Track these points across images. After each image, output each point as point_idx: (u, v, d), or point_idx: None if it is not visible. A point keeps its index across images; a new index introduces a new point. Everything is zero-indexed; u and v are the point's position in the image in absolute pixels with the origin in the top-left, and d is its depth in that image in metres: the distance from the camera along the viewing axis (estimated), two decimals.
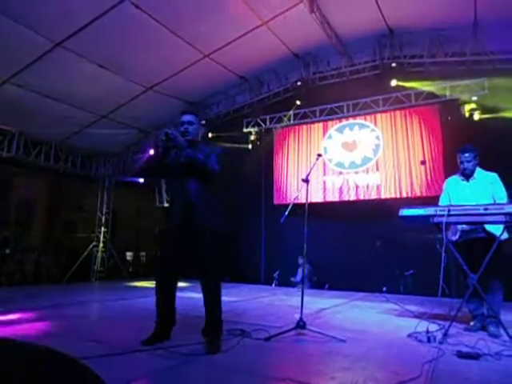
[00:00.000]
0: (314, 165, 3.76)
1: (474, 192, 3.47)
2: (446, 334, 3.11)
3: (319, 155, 3.74)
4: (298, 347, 2.92)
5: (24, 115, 7.82)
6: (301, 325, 3.21)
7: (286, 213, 3.27)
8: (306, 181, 3.47)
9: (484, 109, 6.78)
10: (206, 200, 2.96)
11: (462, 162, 3.55)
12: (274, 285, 8.35)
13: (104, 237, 10.62)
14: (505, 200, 3.31)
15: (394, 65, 7.44)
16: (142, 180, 10.62)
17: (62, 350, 1.34)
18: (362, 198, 7.98)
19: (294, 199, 3.58)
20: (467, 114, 6.89)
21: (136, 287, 7.91)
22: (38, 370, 1.32)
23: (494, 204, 3.14)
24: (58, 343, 2.46)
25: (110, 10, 5.94)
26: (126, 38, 6.67)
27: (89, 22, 6.07)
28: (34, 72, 6.75)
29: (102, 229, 10.64)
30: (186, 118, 3.13)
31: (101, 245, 10.49)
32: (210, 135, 9.42)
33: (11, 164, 9.15)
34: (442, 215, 3.06)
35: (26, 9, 5.57)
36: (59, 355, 1.43)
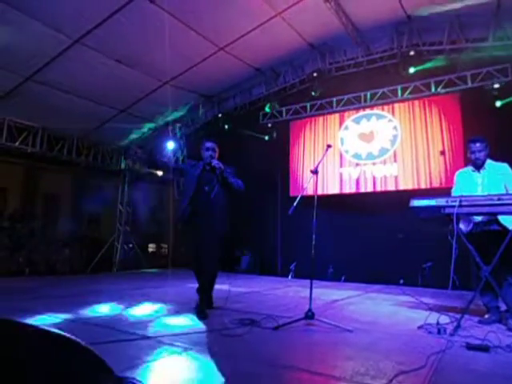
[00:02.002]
0: (324, 156, 3.74)
1: (486, 183, 3.40)
2: (457, 326, 3.07)
3: (329, 146, 3.72)
4: (304, 336, 2.95)
5: (46, 111, 8.07)
6: (309, 315, 3.24)
7: (295, 204, 3.28)
8: (315, 172, 3.47)
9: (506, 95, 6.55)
10: (223, 207, 3.82)
11: (473, 152, 3.49)
12: (290, 277, 8.38)
13: (125, 229, 10.89)
14: None
15: (412, 53, 7.24)
16: (160, 173, 10.80)
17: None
18: (379, 189, 7.88)
19: (303, 191, 3.58)
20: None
21: (154, 277, 8.11)
22: (40, 352, 1.38)
23: (508, 194, 3.06)
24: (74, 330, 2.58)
25: (126, 5, 6.04)
26: (141, 33, 6.76)
27: (105, 18, 6.19)
28: (54, 69, 6.95)
29: (124, 221, 10.92)
30: (211, 145, 3.91)
31: (122, 237, 10.77)
32: (226, 127, 9.47)
33: (36, 159, 9.49)
34: (453, 206, 3.00)
35: (45, 7, 5.72)
36: (63, 338, 1.50)
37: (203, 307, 3.64)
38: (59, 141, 9.09)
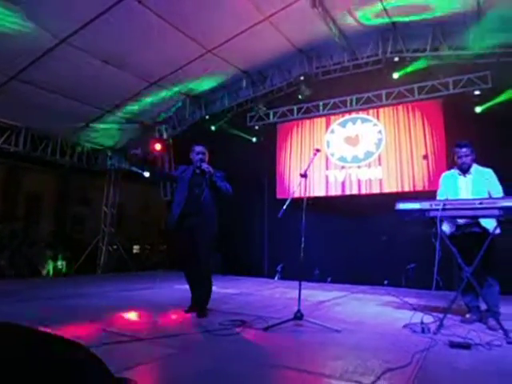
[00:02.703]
0: (312, 160, 3.82)
1: (471, 187, 3.53)
2: (440, 326, 3.18)
3: (317, 150, 3.80)
4: (294, 337, 3.01)
5: (31, 111, 7.95)
6: (298, 316, 3.31)
7: (284, 207, 3.34)
8: (304, 176, 3.54)
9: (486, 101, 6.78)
10: (212, 209, 3.91)
11: (460, 157, 3.62)
12: (276, 278, 8.45)
13: (110, 230, 10.78)
14: (500, 194, 3.38)
15: (396, 59, 7.42)
16: (147, 174, 10.74)
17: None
18: (364, 192, 8.02)
19: (292, 194, 3.64)
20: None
21: (140, 279, 8.05)
22: (35, 352, 1.39)
23: (489, 198, 3.20)
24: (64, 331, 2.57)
25: (114, 6, 6.01)
26: (128, 33, 6.73)
27: (93, 19, 6.14)
28: (40, 68, 6.85)
29: (108, 222, 10.80)
30: (201, 149, 4.05)
31: (106, 238, 10.66)
32: (213, 129, 9.49)
33: (19, 159, 9.32)
34: (437, 209, 3.11)
35: (31, 5, 5.65)
36: (57, 338, 1.52)
37: (195, 307, 3.76)
38: (43, 140, 8.96)
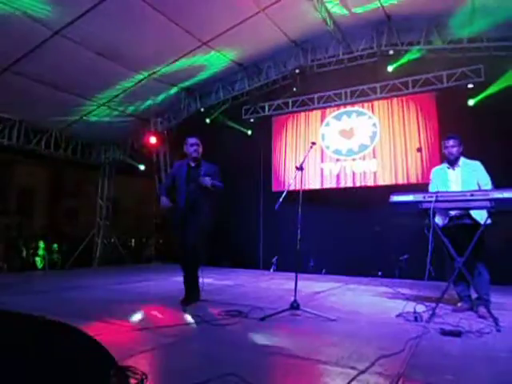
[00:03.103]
0: (308, 153, 3.87)
1: (460, 179, 3.63)
2: (433, 314, 3.27)
3: (313, 143, 3.84)
4: (290, 326, 3.08)
5: (24, 103, 7.89)
6: (295, 306, 3.37)
7: (281, 199, 3.39)
8: (301, 168, 3.58)
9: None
10: (205, 202, 4.00)
11: (446, 147, 3.76)
12: (271, 270, 8.53)
13: (105, 223, 10.78)
14: (489, 185, 3.48)
15: (391, 52, 7.46)
16: (142, 167, 10.72)
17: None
18: (358, 184, 8.10)
19: (288, 187, 3.69)
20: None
21: (137, 272, 8.09)
22: (48, 341, 1.43)
23: (480, 190, 3.27)
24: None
25: None
26: (123, 25, 6.69)
27: (87, 10, 6.09)
28: (33, 60, 6.80)
29: (103, 215, 10.80)
30: (195, 141, 4.10)
31: (102, 231, 10.66)
32: (207, 121, 9.48)
33: (12, 152, 9.26)
34: (430, 201, 3.18)
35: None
36: (70, 328, 1.57)
37: (186, 299, 3.85)
38: (37, 134, 8.90)
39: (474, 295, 3.66)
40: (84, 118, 9.05)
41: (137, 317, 3.28)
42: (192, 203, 3.93)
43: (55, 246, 10.74)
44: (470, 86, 6.97)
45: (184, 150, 4.19)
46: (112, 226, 11.02)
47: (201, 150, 4.14)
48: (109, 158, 10.75)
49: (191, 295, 3.93)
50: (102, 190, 11.02)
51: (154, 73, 8.19)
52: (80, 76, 7.62)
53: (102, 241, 10.60)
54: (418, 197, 3.31)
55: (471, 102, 6.90)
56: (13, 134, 8.37)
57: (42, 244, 10.37)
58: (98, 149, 10.65)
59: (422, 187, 4.68)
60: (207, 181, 3.90)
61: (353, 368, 2.04)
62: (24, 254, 9.82)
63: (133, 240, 12.76)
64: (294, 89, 8.62)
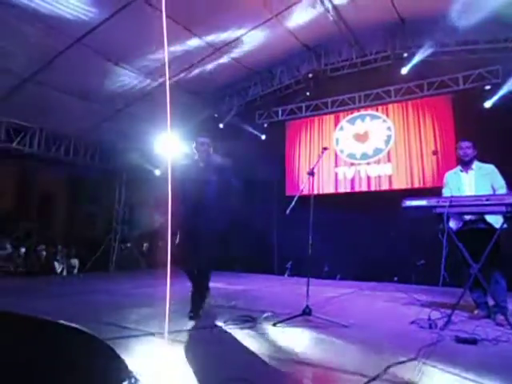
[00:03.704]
0: (320, 158, 3.87)
1: (473, 182, 3.57)
2: (448, 321, 3.21)
3: (325, 148, 3.84)
4: (301, 332, 3.07)
5: (44, 112, 8.11)
6: (307, 312, 3.36)
7: (292, 204, 3.39)
8: (312, 174, 3.58)
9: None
10: (217, 206, 3.67)
11: (461, 148, 3.71)
12: (286, 275, 8.51)
13: (121, 228, 10.96)
14: (504, 189, 3.42)
15: (405, 55, 7.39)
16: (157, 173, 10.86)
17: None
18: (373, 189, 8.02)
19: (300, 192, 3.69)
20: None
21: (152, 276, 8.18)
22: (59, 345, 1.46)
23: (496, 195, 3.21)
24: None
25: (124, 8, 6.11)
26: (139, 34, 6.82)
27: (104, 20, 6.26)
28: (52, 70, 7.00)
29: (120, 220, 10.98)
30: (204, 140, 3.85)
31: (119, 236, 10.83)
32: (221, 126, 9.54)
33: (33, 159, 9.52)
34: (444, 206, 3.14)
35: (43, 10, 5.79)
36: (82, 332, 1.60)
37: (193, 308, 3.64)
38: (56, 141, 9.13)
39: (491, 302, 3.58)
40: (101, 124, 9.24)
41: (149, 321, 3.32)
42: (201, 207, 3.61)
43: (73, 250, 10.96)
44: (488, 87, 6.83)
45: (193, 150, 3.95)
46: (128, 230, 11.18)
47: (211, 150, 3.85)
48: (126, 163, 10.94)
49: (198, 305, 3.70)
50: (119, 195, 11.21)
51: (170, 79, 8.31)
52: (97, 83, 7.81)
53: (118, 245, 10.77)
54: (432, 201, 3.27)
55: (488, 104, 6.76)
56: (34, 142, 8.61)
57: (62, 249, 10.60)
58: (115, 155, 10.84)
59: (438, 191, 4.62)
60: (216, 160, 3.70)
61: (363, 375, 2.03)
62: (43, 258, 10.06)
63: (148, 245, 12.90)
64: (308, 93, 8.62)
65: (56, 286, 6.38)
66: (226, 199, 3.76)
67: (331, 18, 6.90)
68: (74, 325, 1.65)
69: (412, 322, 3.34)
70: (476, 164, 3.68)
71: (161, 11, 6.25)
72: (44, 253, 9.98)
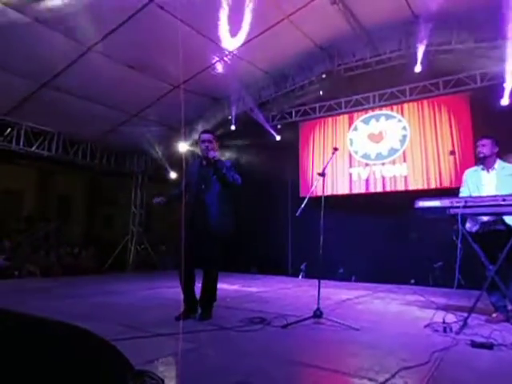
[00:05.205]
0: (331, 159, 3.82)
1: (495, 182, 3.45)
2: (464, 325, 3.12)
3: (335, 149, 3.80)
4: (312, 334, 3.04)
5: (61, 116, 8.32)
6: (318, 314, 3.33)
7: (302, 206, 3.37)
8: (322, 175, 3.55)
9: None
10: (221, 206, 3.55)
11: (477, 146, 3.63)
12: (300, 277, 8.46)
13: (138, 230, 11.11)
14: None
15: (420, 53, 7.24)
16: (173, 175, 10.97)
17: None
18: (388, 189, 7.90)
19: (311, 193, 3.66)
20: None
21: (167, 277, 8.25)
22: (63, 345, 1.47)
23: None
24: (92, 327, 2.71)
25: (137, 12, 6.21)
26: (152, 38, 6.92)
27: (118, 26, 6.37)
28: (68, 75, 7.17)
29: (137, 222, 11.14)
30: (207, 136, 3.70)
31: (135, 237, 10.99)
32: (233, 128, 9.54)
33: (51, 162, 9.77)
34: (458, 207, 3.05)
35: (60, 17, 5.93)
36: (85, 332, 1.62)
37: (185, 313, 3.49)
38: (74, 145, 9.35)
39: (510, 306, 3.47)
40: (117, 128, 9.41)
41: (161, 322, 3.34)
42: (203, 207, 3.49)
43: (91, 251, 11.17)
44: (506, 84, 6.64)
45: (198, 147, 3.85)
46: (145, 232, 11.34)
47: (214, 146, 3.68)
48: (141, 166, 11.11)
49: (202, 305, 3.60)
50: (135, 198, 11.38)
51: (184, 83, 8.38)
52: (113, 88, 7.94)
53: (135, 247, 10.92)
54: (445, 202, 3.19)
55: (505, 102, 6.57)
56: (52, 146, 8.83)
57: (80, 250, 10.83)
58: (131, 158, 11.02)
59: (455, 191, 4.52)
60: (214, 154, 3.53)
61: (372, 380, 1.99)
62: (63, 259, 10.29)
63: (164, 246, 13.05)
64: (321, 92, 8.56)
65: (71, 287, 6.49)
66: (228, 196, 3.65)
67: (344, 18, 6.83)
68: (75, 324, 1.66)
69: (426, 326, 3.27)
70: (499, 163, 3.55)
71: (172, 14, 6.38)
72: (63, 254, 10.21)
